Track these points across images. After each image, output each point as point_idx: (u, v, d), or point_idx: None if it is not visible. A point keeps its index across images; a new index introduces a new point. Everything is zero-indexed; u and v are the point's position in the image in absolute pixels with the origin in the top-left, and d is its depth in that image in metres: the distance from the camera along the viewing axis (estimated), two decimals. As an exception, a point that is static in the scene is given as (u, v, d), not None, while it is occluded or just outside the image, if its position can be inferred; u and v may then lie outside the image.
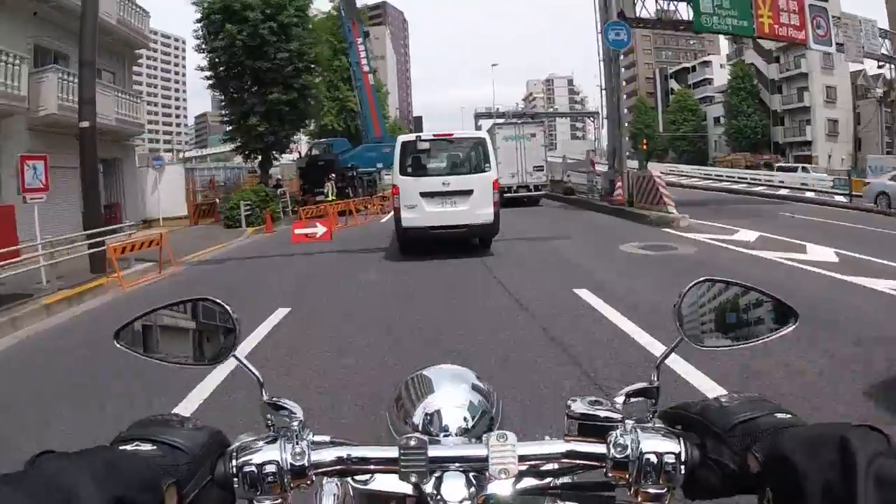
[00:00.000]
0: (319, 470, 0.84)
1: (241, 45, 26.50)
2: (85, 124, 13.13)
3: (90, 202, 13.41)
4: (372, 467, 0.86)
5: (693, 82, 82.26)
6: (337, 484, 1.10)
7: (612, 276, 10.10)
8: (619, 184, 21.85)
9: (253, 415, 0.96)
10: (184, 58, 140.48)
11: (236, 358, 0.96)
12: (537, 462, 0.86)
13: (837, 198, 27.37)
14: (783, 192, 32.64)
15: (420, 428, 0.98)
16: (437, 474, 0.83)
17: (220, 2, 26.59)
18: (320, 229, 16.96)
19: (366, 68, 33.89)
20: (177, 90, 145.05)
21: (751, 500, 0.74)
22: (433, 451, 0.81)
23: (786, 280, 9.20)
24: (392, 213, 14.20)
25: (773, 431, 0.74)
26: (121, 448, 0.74)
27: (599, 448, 0.84)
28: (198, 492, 0.76)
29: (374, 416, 3.97)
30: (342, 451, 0.85)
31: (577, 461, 0.86)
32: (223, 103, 29.92)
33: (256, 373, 0.92)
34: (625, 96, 24.85)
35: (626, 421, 0.85)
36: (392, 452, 0.82)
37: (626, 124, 25.26)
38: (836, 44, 26.18)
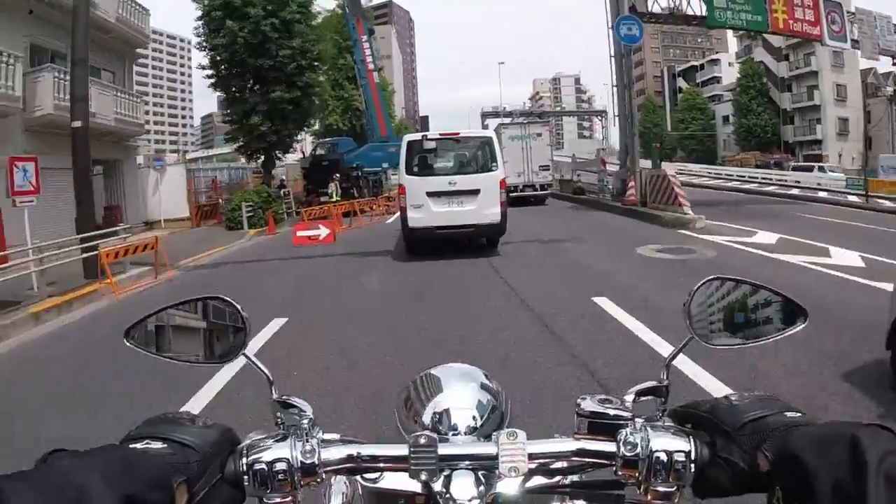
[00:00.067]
0: (329, 468, 0.84)
1: (243, 42, 26.11)
2: (77, 124, 12.69)
3: (83, 204, 12.94)
4: (382, 465, 0.86)
5: (701, 81, 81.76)
6: (345, 482, 1.13)
7: (632, 282, 9.49)
8: (631, 183, 21.27)
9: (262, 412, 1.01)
10: (190, 58, 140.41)
11: (246, 356, 0.95)
12: (547, 460, 0.86)
13: (850, 198, 26.89)
14: (795, 191, 32.39)
15: (429, 427, 0.98)
16: (446, 473, 0.83)
17: (221, -2, 26.26)
18: (323, 231, 16.44)
19: (371, 66, 33.37)
20: (183, 91, 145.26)
21: (760, 498, 0.73)
22: (443, 449, 0.81)
23: (815, 286, 8.67)
24: (398, 213, 14.15)
25: (783, 430, 0.74)
26: (131, 446, 0.74)
27: (609, 446, 0.84)
28: (208, 489, 0.77)
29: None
30: (352, 449, 0.85)
31: (587, 459, 0.85)
32: (225, 102, 29.44)
33: (266, 371, 0.92)
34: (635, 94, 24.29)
35: (636, 419, 0.85)
36: (402, 450, 0.82)
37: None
38: (852, 40, 25.77)
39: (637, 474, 0.81)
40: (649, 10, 23.33)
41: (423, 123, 54.21)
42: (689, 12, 24.00)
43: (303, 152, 39.57)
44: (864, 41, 25.85)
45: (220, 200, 27.91)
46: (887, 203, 23.17)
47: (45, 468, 0.62)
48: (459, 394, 1.04)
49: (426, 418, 1.00)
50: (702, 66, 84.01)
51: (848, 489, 0.59)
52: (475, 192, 12.41)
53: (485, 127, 40.23)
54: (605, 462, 0.85)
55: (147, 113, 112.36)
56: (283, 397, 0.89)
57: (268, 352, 6.45)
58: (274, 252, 15.98)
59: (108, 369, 6.16)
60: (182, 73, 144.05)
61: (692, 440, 0.81)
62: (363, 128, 38.52)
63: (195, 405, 5.03)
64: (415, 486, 0.89)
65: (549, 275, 10.48)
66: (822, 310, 6.14)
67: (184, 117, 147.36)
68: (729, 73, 75.42)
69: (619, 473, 0.83)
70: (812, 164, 44.88)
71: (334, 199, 26.62)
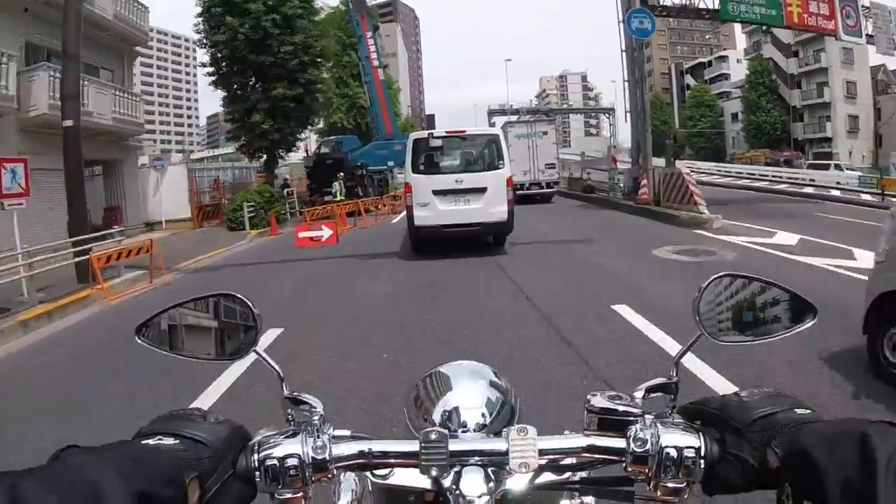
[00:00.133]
0: (341, 464, 0.85)
1: (243, 38, 25.66)
2: (68, 123, 12.22)
3: (75, 206, 12.48)
4: (392, 461, 0.87)
5: (709, 77, 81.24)
6: (355, 479, 1.15)
7: (653, 287, 8.85)
8: (644, 181, 20.71)
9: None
10: (195, 58, 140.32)
11: (257, 353, 0.96)
12: (557, 456, 0.86)
13: (864, 196, 26.37)
14: (808, 189, 31.95)
15: (438, 424, 0.99)
16: (455, 469, 0.84)
17: (221, -7, 25.80)
18: (326, 232, 15.97)
19: (375, 63, 32.97)
20: (188, 91, 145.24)
21: (770, 495, 0.73)
22: (454, 445, 0.82)
23: (842, 291, 7.93)
24: (403, 213, 14.15)
25: (792, 427, 0.75)
26: (143, 442, 0.75)
27: (619, 442, 0.84)
28: (220, 485, 0.77)
29: None
30: (363, 445, 0.86)
31: (597, 455, 0.86)
32: (226, 100, 28.99)
33: (277, 368, 0.93)
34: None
35: (646, 415, 0.85)
36: (413, 446, 0.83)
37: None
38: (867, 35, 25.23)
39: (647, 470, 0.81)
40: (661, 2, 22.78)
41: (430, 122, 53.68)
42: (702, 6, 23.50)
43: (306, 151, 39.12)
44: (878, 36, 25.31)
45: (225, 200, 27.44)
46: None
47: (58, 465, 0.62)
48: (468, 391, 1.06)
49: (436, 416, 1.02)
50: (710, 63, 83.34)
51: (857, 486, 0.60)
52: (482, 190, 12.31)
53: (491, 125, 39.98)
54: (615, 458, 0.85)
55: (152, 113, 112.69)
56: (294, 394, 0.89)
57: (258, 364, 5.86)
58: (275, 254, 15.56)
59: (95, 379, 6.05)
60: (187, 73, 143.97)
61: (702, 437, 0.81)
62: (368, 126, 38.13)
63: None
64: (424, 483, 0.89)
65: (563, 279, 9.92)
66: (855, 319, 5.41)
67: (189, 117, 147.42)
68: (737, 70, 74.86)
69: (629, 470, 0.83)
70: (828, 162, 44.25)
71: (338, 198, 26.22)
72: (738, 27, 77.33)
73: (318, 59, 29.91)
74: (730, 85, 75.90)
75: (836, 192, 29.10)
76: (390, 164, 32.32)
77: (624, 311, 7.36)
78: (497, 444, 0.83)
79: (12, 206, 11.02)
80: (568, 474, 0.92)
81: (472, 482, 0.83)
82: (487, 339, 6.53)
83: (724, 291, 0.98)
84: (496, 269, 10.97)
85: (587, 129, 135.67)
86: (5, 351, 8.16)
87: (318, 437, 0.84)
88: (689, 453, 0.80)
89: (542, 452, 0.82)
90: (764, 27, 26.99)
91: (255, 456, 0.82)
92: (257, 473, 0.81)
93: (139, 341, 1.01)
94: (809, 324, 0.97)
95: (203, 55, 28.11)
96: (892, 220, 5.26)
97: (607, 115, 70.96)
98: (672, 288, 8.60)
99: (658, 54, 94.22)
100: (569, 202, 28.39)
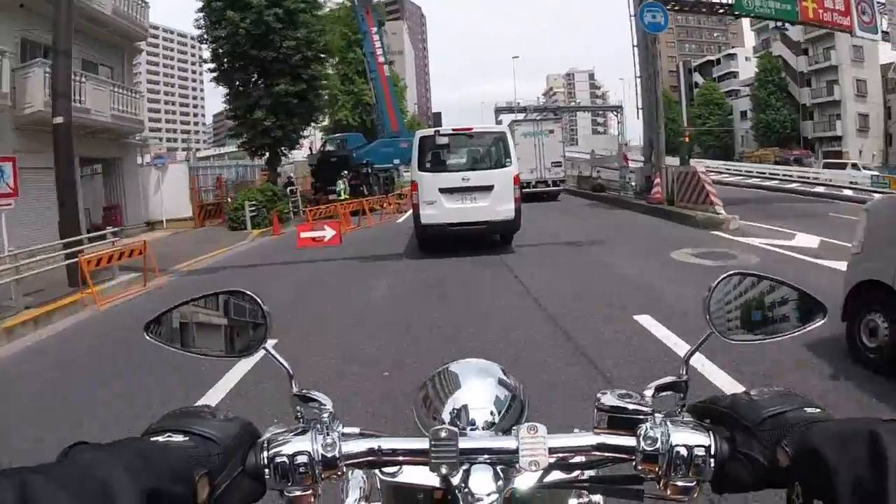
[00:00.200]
0: (350, 461, 0.85)
1: (245, 33, 25.25)
2: (59, 120, 11.77)
3: (66, 207, 12.02)
4: (402, 459, 0.87)
5: (718, 75, 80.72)
6: (363, 476, 1.16)
7: (675, 294, 8.19)
8: (657, 180, 20.10)
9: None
10: (202, 56, 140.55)
11: (266, 350, 0.96)
12: (567, 454, 0.86)
13: (876, 196, 25.81)
14: (819, 189, 31.57)
15: (448, 423, 0.98)
16: (464, 467, 0.84)
17: (221, -13, 25.39)
18: (329, 232, 15.59)
19: (381, 59, 32.57)
20: (195, 89, 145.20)
21: (780, 494, 0.72)
22: (463, 443, 0.82)
23: None
24: (409, 212, 14.08)
25: (802, 426, 0.75)
26: (153, 440, 0.75)
27: (629, 441, 0.84)
28: (229, 482, 0.78)
29: None
30: (373, 443, 0.86)
31: (607, 454, 0.86)
32: (228, 97, 28.60)
33: (286, 365, 0.92)
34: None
35: (656, 414, 0.85)
36: (423, 444, 0.83)
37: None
38: (882, 32, 24.61)
39: (657, 469, 0.81)
40: (674, -4, 22.20)
41: (436, 120, 53.43)
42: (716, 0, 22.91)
43: (310, 149, 38.75)
44: (894, 33, 24.66)
45: (228, 199, 26.79)
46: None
47: (67, 461, 0.62)
48: (477, 389, 1.05)
49: (445, 414, 1.00)
50: (718, 61, 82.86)
51: (868, 485, 0.60)
52: (489, 188, 12.27)
53: (499, 122, 39.75)
54: (625, 457, 0.85)
55: (158, 111, 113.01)
56: (303, 391, 0.89)
57: (246, 381, 5.49)
58: (276, 254, 15.15)
59: (78, 391, 5.85)
60: (194, 72, 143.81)
61: (712, 435, 0.81)
62: (374, 123, 37.76)
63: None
64: (433, 481, 0.89)
65: (578, 284, 9.35)
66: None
67: (195, 115, 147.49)
68: (746, 68, 74.44)
69: (639, 468, 0.83)
70: (845, 161, 43.69)
71: (343, 197, 25.80)
72: (746, 25, 77.28)
73: (322, 55, 29.48)
74: (738, 83, 75.33)
75: (848, 192, 28.63)
76: (396, 161, 32.01)
77: (647, 322, 6.77)
78: (507, 442, 0.83)
79: (1, 207, 10.66)
80: (577, 473, 0.93)
81: (482, 480, 0.83)
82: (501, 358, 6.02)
83: (735, 290, 0.97)
84: (506, 273, 10.53)
85: (594, 127, 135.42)
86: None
87: (328, 435, 0.84)
88: (700, 452, 0.80)
89: (551, 451, 0.81)
90: (778, 23, 26.34)
91: (265, 453, 0.81)
92: (267, 471, 0.81)
93: (148, 338, 0.99)
94: (819, 322, 0.96)
95: (205, 51, 27.76)
96: (866, 214, 5.65)
97: (615, 112, 70.72)
98: (699, 296, 7.93)
99: (666, 52, 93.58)
100: (578, 201, 28.00)
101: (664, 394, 0.89)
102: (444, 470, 0.81)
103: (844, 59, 56.29)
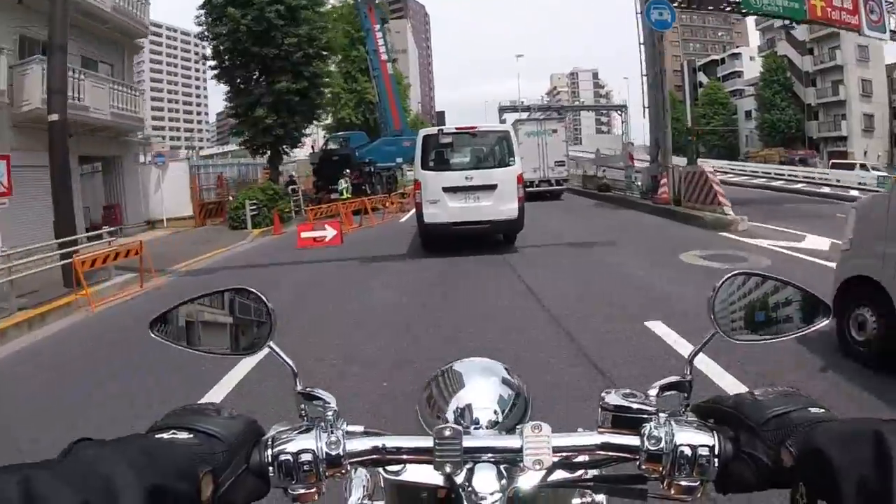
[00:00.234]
0: (354, 459, 0.85)
1: (246, 30, 25.00)
2: (54, 117, 11.51)
3: (62, 206, 11.76)
4: (406, 457, 0.87)
5: (722, 75, 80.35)
6: (366, 475, 1.15)
7: (688, 299, 7.76)
8: (663, 180, 19.79)
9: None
10: (202, 54, 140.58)
11: (271, 348, 0.95)
12: (571, 453, 0.86)
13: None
14: (825, 189, 31.41)
15: (452, 421, 0.98)
16: (468, 466, 0.84)
17: (222, -17, 25.18)
18: (330, 232, 15.40)
19: (384, 56, 32.28)
20: (198, 87, 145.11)
21: (784, 494, 0.72)
22: (468, 442, 0.82)
23: None
24: (412, 211, 14.34)
25: (807, 426, 0.74)
26: (157, 436, 0.75)
27: (633, 440, 0.84)
28: (233, 480, 0.77)
29: None
30: (377, 441, 0.86)
31: (611, 453, 0.86)
32: (229, 95, 28.38)
33: (290, 363, 0.92)
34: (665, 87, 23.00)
35: (660, 413, 0.85)
36: (427, 442, 0.83)
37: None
38: (890, 31, 24.26)
39: (661, 468, 0.81)
40: (681, -6, 21.93)
41: (440, 119, 53.26)
42: (724, -3, 22.64)
43: (312, 147, 38.51)
44: (902, 32, 24.46)
45: (230, 197, 26.52)
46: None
47: (71, 458, 0.62)
48: (481, 388, 1.04)
49: (449, 414, 1.00)
50: (722, 61, 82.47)
51: (872, 485, 0.60)
52: (492, 187, 12.26)
53: (502, 121, 39.69)
54: (629, 456, 0.84)
55: (162, 110, 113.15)
56: (308, 389, 0.89)
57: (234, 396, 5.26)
58: (276, 255, 14.90)
59: (67, 397, 5.70)
60: (198, 70, 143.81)
61: (716, 435, 0.81)
62: (377, 122, 37.46)
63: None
64: (437, 479, 0.89)
65: (585, 287, 9.06)
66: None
67: (199, 114, 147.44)
68: (750, 68, 74.11)
69: (643, 468, 0.83)
70: (853, 161, 43.40)
71: (345, 196, 25.56)
72: (751, 24, 77.00)
73: (324, 52, 29.16)
74: (743, 83, 75.09)
75: (855, 193, 28.38)
76: (399, 160, 31.80)
77: (659, 329, 6.47)
78: (511, 441, 0.82)
79: (-5, 206, 10.42)
80: (580, 472, 0.92)
81: (485, 479, 0.83)
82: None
83: (739, 290, 0.97)
84: (515, 280, 10.22)
85: (598, 126, 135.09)
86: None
87: (332, 433, 0.83)
88: (704, 451, 0.79)
89: (556, 450, 0.81)
90: (786, 22, 26.14)
91: (269, 451, 0.81)
92: (271, 468, 0.80)
93: (153, 336, 0.98)
94: (824, 322, 0.95)
95: (207, 48, 27.52)
96: (854, 213, 5.86)
97: (619, 112, 70.64)
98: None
99: (670, 51, 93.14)
100: (583, 200, 27.76)
101: (668, 393, 0.89)
102: (448, 469, 0.80)
103: (850, 58, 56.09)
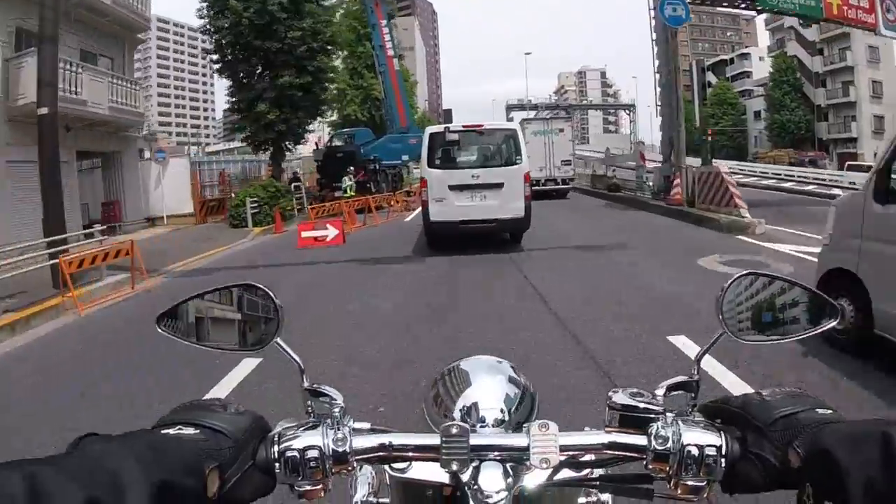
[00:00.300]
0: (361, 456, 0.85)
1: (248, 23, 24.59)
2: (43, 110, 11.01)
3: (51, 204, 11.26)
4: (412, 455, 0.87)
5: (731, 75, 80.00)
6: (372, 472, 1.13)
7: (713, 314, 7.14)
8: (676, 181, 19.28)
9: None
10: (204, 48, 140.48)
11: (278, 344, 0.95)
12: (577, 452, 0.86)
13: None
14: (836, 191, 30.45)
15: (458, 420, 0.97)
16: (474, 464, 0.84)
17: (224, -24, 24.76)
18: (331, 231, 15.01)
19: (390, 52, 31.80)
20: (205, 83, 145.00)
21: (790, 495, 0.72)
22: (474, 440, 0.82)
23: None
24: (417, 210, 14.23)
25: (814, 426, 0.74)
26: (164, 432, 0.75)
27: (640, 440, 0.84)
28: (240, 476, 0.78)
29: None
30: (384, 438, 0.86)
31: (618, 452, 0.86)
32: (232, 89, 27.99)
33: (297, 359, 0.92)
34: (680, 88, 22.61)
35: (667, 413, 0.85)
36: (434, 440, 0.83)
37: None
38: (907, 31, 23.74)
39: (667, 468, 0.81)
40: (696, -11, 21.46)
41: (447, 116, 52.95)
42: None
43: (316, 144, 38.08)
44: (917, 33, 23.95)
45: (232, 194, 26.12)
46: None
47: (78, 453, 0.62)
48: (488, 387, 1.04)
49: (455, 412, 1.00)
50: (731, 61, 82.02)
51: (880, 486, 0.60)
52: (499, 185, 12.20)
53: (510, 120, 39.39)
54: (636, 455, 0.84)
55: (168, 106, 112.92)
56: (315, 385, 0.89)
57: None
58: (276, 254, 14.51)
59: (44, 410, 5.31)
60: (204, 66, 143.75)
61: (723, 435, 0.81)
62: (383, 119, 37.07)
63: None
64: (443, 477, 0.89)
65: (605, 302, 8.36)
66: None
67: (205, 110, 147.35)
68: (759, 68, 73.68)
69: (650, 467, 0.83)
70: (869, 164, 42.85)
71: (349, 194, 25.10)
72: (761, 24, 76.46)
73: (329, 46, 28.74)
74: (752, 83, 74.73)
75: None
76: (405, 158, 31.37)
77: (685, 345, 5.93)
78: (518, 440, 0.82)
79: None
80: (586, 471, 0.92)
81: (491, 477, 0.83)
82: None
83: (747, 290, 0.95)
84: (515, 273, 9.89)
85: (606, 125, 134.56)
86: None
87: (339, 430, 0.84)
88: (711, 452, 0.79)
89: (562, 448, 0.81)
90: (800, 21, 25.75)
91: (276, 447, 0.81)
92: (277, 465, 0.81)
93: (160, 331, 0.98)
94: (832, 323, 0.95)
95: (208, 42, 27.23)
96: (834, 209, 6.15)
97: (627, 111, 70.19)
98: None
99: (679, 51, 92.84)
100: (592, 200, 27.30)
101: (675, 393, 0.87)
102: (454, 466, 0.80)
103: (860, 59, 55.82)
